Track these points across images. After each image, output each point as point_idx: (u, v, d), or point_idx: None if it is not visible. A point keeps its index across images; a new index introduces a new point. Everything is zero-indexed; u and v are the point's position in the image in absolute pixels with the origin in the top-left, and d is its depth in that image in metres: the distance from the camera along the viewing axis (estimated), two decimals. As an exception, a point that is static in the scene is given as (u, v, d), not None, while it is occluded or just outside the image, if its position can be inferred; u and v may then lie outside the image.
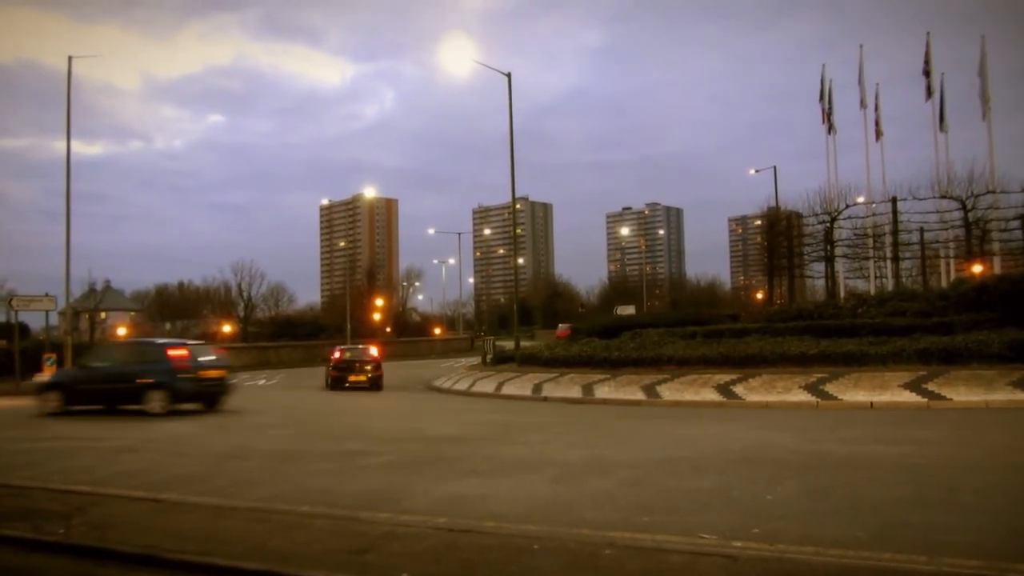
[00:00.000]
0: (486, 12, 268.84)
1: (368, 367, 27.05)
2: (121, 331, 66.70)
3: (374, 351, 29.91)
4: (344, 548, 5.48)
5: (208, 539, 5.82)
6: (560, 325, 67.41)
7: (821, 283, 39.44)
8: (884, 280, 35.24)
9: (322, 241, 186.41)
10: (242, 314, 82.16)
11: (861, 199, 33.84)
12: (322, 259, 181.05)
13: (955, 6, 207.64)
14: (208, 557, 5.30)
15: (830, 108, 35.83)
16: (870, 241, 33.42)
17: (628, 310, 61.84)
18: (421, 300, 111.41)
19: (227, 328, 76.58)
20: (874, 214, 33.29)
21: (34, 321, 41.35)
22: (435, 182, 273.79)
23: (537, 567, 5.01)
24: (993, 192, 29.58)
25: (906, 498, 6.86)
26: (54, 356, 28.30)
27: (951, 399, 14.81)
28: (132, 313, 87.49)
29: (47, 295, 30.00)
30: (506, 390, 21.76)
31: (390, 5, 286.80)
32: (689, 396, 17.33)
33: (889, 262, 33.56)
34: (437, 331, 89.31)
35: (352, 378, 26.76)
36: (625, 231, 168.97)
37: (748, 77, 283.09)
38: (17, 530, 6.25)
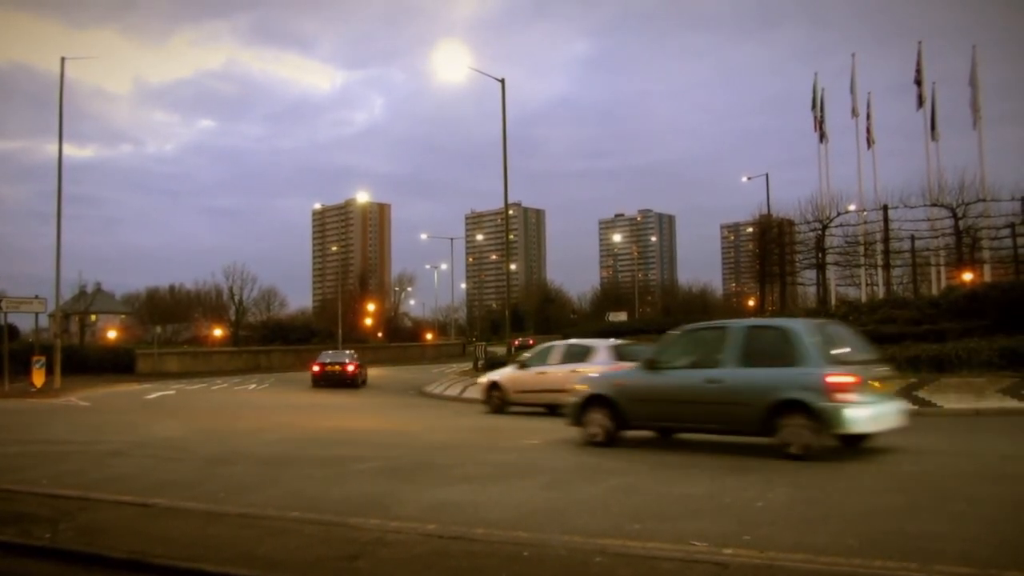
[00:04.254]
0: (474, 22, 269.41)
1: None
2: (111, 334, 66.37)
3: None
4: (334, 555, 5.45)
5: (197, 545, 5.78)
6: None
7: (812, 290, 39.47)
8: (875, 288, 35.30)
9: (314, 245, 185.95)
10: (233, 318, 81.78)
11: (853, 207, 33.92)
12: (314, 263, 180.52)
13: (943, 19, 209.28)
14: (197, 563, 5.26)
15: (822, 116, 35.97)
16: (861, 249, 33.48)
17: (620, 316, 61.74)
18: (413, 305, 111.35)
19: (218, 332, 76.22)
20: (866, 222, 33.36)
21: (24, 323, 41.18)
22: (427, 188, 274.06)
23: (527, 574, 4.99)
24: (984, 200, 29.66)
25: (897, 505, 6.87)
26: (43, 359, 28.15)
27: (941, 406, 14.85)
28: (122, 316, 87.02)
29: (37, 297, 29.88)
30: (497, 396, 21.52)
31: (379, 14, 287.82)
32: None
33: (880, 270, 33.63)
34: (429, 336, 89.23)
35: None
36: (617, 237, 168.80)
37: (736, 87, 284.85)
38: (4, 535, 6.20)
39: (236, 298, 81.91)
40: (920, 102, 33.13)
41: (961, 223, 30.14)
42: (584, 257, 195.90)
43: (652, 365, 11.10)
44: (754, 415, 9.70)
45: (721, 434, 10.74)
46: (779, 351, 9.91)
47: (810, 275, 36.19)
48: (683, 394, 10.52)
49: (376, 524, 6.29)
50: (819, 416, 9.26)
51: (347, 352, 35.49)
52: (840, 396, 9.26)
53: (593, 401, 11.35)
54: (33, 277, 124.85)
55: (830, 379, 9.33)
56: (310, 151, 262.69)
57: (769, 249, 37.24)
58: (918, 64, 33.04)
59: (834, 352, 9.81)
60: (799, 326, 10.37)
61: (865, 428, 9.64)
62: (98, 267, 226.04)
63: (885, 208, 31.48)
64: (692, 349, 11.20)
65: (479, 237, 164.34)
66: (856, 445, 10.08)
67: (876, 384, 9.91)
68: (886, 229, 31.83)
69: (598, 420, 11.23)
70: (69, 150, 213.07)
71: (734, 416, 10.02)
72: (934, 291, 31.42)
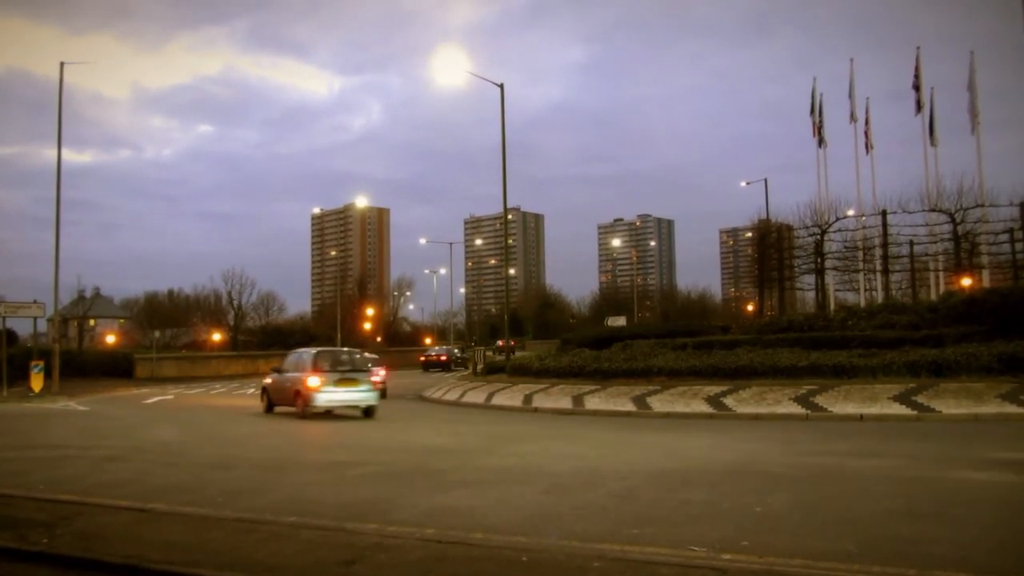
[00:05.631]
0: (470, 28, 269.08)
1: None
2: (110, 339, 66.29)
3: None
4: (331, 559, 5.43)
5: (195, 550, 5.77)
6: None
7: (811, 295, 39.53)
8: (874, 293, 35.33)
9: (313, 250, 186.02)
10: (232, 322, 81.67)
11: (851, 212, 33.95)
12: (313, 268, 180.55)
13: (942, 24, 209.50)
14: (194, 568, 5.25)
15: (821, 121, 35.98)
16: (860, 254, 33.51)
17: (619, 321, 61.70)
18: (412, 310, 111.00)
19: (217, 336, 76.11)
20: (864, 227, 33.39)
21: (22, 327, 41.13)
22: (425, 193, 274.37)
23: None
24: (982, 206, 29.70)
25: (896, 511, 6.86)
26: (41, 363, 28.09)
27: (940, 412, 14.84)
28: (121, 321, 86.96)
29: (35, 302, 29.81)
30: (496, 401, 21.71)
31: (376, 20, 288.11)
32: (679, 407, 17.32)
33: (879, 275, 33.66)
34: (428, 341, 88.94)
35: None
36: (616, 242, 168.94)
37: (735, 92, 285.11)
38: (1, 540, 6.18)
39: (235, 303, 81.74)
40: (918, 107, 33.17)
41: (960, 228, 30.20)
42: (583, 262, 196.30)
43: (279, 372, 20.37)
44: (291, 396, 18.94)
45: (290, 406, 18.98)
46: (304, 364, 18.93)
47: (809, 280, 36.25)
48: (280, 385, 19.89)
49: (374, 529, 6.27)
50: (304, 398, 18.22)
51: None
52: (312, 388, 18.06)
53: (263, 391, 21.18)
54: (31, 282, 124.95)
55: (307, 379, 18.24)
56: (308, 156, 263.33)
57: (768, 254, 37.25)
58: (916, 69, 33.08)
59: (322, 365, 18.47)
60: (311, 351, 19.85)
61: (325, 406, 18.39)
62: (96, 272, 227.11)
63: (884, 213, 31.53)
64: (290, 362, 20.10)
65: (478, 242, 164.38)
66: (371, 415, 18.47)
67: (340, 383, 18.24)
68: (885, 234, 31.87)
69: (265, 401, 20.90)
70: (67, 155, 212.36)
71: (289, 397, 19.09)
72: (933, 296, 31.41)
